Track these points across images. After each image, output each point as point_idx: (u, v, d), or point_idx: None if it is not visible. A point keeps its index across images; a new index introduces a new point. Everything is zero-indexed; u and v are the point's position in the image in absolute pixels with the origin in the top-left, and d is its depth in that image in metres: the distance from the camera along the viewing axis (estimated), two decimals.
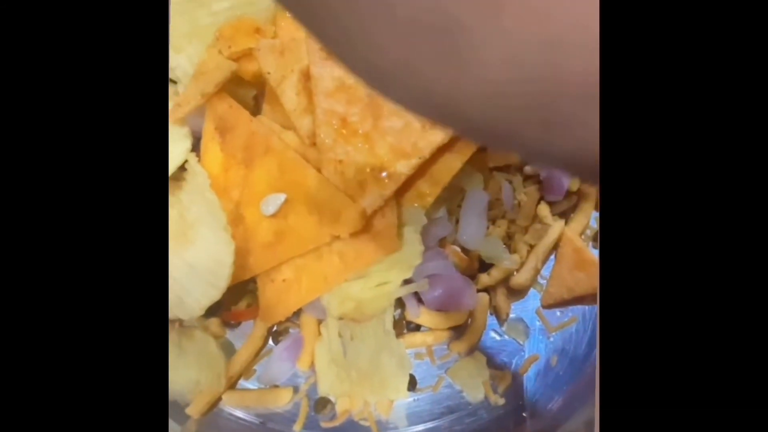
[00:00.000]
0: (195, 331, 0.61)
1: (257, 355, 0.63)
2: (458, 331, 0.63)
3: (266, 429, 0.62)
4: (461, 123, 0.23)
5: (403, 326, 0.64)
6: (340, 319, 0.60)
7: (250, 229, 0.59)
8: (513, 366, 0.63)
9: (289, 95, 0.60)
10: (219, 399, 0.62)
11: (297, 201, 0.58)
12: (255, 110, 0.64)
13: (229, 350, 0.63)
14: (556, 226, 0.64)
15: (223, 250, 0.57)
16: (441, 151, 0.57)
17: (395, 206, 0.58)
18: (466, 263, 0.62)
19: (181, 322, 0.61)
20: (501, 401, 0.61)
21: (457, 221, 0.62)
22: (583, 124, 0.21)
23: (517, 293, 0.64)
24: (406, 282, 0.59)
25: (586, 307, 0.64)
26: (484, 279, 0.63)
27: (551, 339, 0.63)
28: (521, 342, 0.63)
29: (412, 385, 0.62)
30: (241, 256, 0.57)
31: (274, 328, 0.64)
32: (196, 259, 0.58)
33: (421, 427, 0.62)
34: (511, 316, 0.64)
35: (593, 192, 0.66)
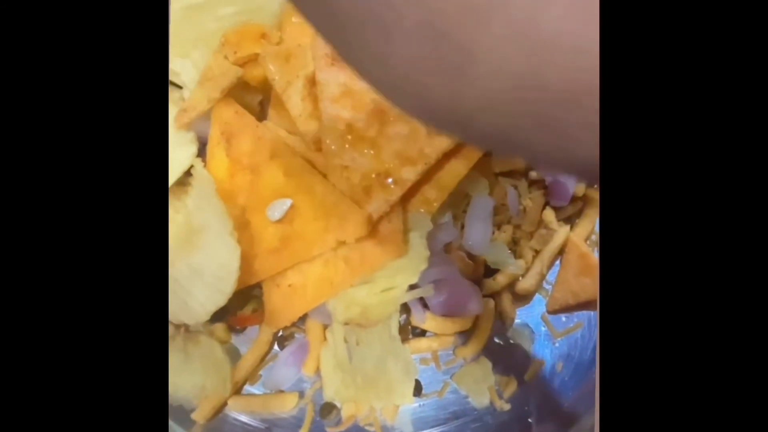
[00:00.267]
0: (200, 336, 0.61)
1: (263, 360, 0.63)
2: (464, 337, 0.64)
3: None
4: (465, 131, 0.24)
5: (409, 331, 0.64)
6: (346, 324, 0.60)
7: (256, 234, 0.59)
8: (518, 371, 0.62)
9: (295, 101, 0.60)
10: (224, 404, 0.62)
11: (303, 206, 0.58)
12: (261, 115, 0.64)
13: (234, 355, 0.63)
14: (562, 232, 0.64)
15: (228, 256, 0.57)
16: (447, 156, 0.57)
17: (401, 212, 0.58)
18: (472, 268, 0.62)
19: (186, 327, 0.61)
20: (506, 407, 0.61)
21: (463, 226, 0.62)
22: (578, 127, 0.21)
23: (522, 298, 0.65)
24: (412, 287, 0.59)
25: (592, 313, 0.64)
26: (490, 284, 0.63)
27: (557, 344, 0.63)
28: (527, 347, 0.63)
29: (418, 390, 0.62)
30: (246, 262, 0.57)
31: (280, 333, 0.64)
32: (202, 264, 0.58)
33: None
34: (517, 321, 0.64)
35: (598, 197, 0.66)
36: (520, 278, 0.64)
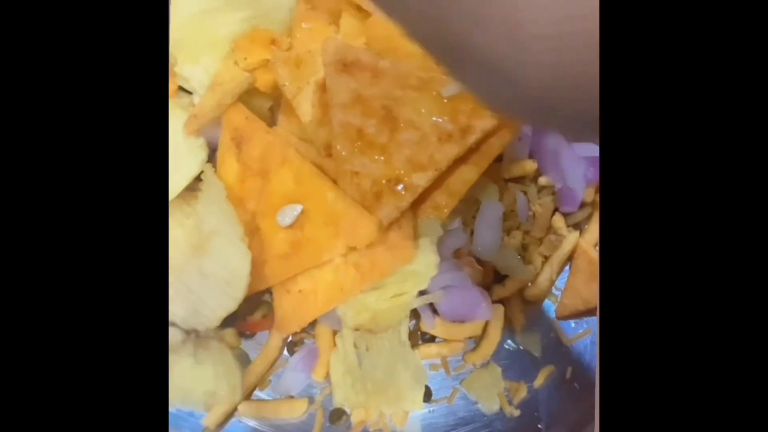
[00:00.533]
0: (211, 342, 0.61)
1: (272, 365, 0.63)
2: (473, 343, 0.64)
3: None
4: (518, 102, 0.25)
5: (419, 337, 0.64)
6: (356, 329, 0.60)
7: (267, 240, 0.59)
8: (528, 377, 0.62)
9: (305, 107, 0.60)
10: (234, 410, 0.62)
11: (313, 212, 0.58)
12: (271, 121, 0.64)
13: (244, 361, 0.63)
14: (571, 238, 0.64)
15: (239, 261, 0.57)
16: (457, 163, 0.57)
17: (411, 218, 0.58)
18: (481, 274, 0.62)
19: (197, 332, 0.61)
20: (516, 413, 0.61)
21: (472, 232, 0.62)
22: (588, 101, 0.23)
23: (532, 304, 0.65)
24: (422, 293, 0.59)
25: None
26: (499, 290, 0.63)
27: (566, 350, 0.63)
28: (536, 353, 0.63)
29: (428, 396, 0.62)
30: (257, 267, 0.57)
31: (290, 339, 0.64)
32: (213, 269, 0.58)
33: None
34: (526, 327, 0.64)
35: None
36: (530, 284, 0.64)
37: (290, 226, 0.58)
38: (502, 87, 0.25)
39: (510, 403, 0.62)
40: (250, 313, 0.63)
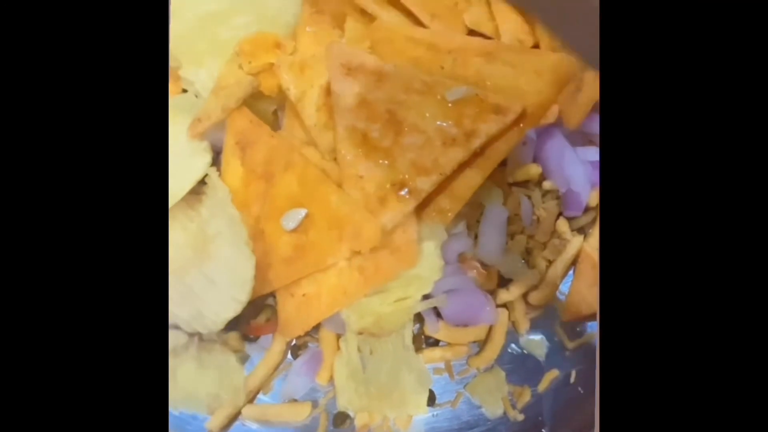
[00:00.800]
0: (214, 345, 0.62)
1: (276, 369, 0.63)
2: (477, 347, 0.64)
3: None
4: None
5: (422, 341, 0.64)
6: (360, 333, 0.60)
7: (271, 243, 0.59)
8: (532, 381, 0.62)
9: (310, 111, 0.60)
10: (238, 413, 0.62)
11: (317, 216, 0.58)
12: (275, 125, 0.64)
13: (248, 364, 0.63)
14: (575, 242, 0.64)
15: (243, 265, 0.57)
16: (461, 167, 0.57)
17: (415, 222, 0.58)
18: (485, 278, 0.62)
19: (200, 336, 0.61)
20: (520, 417, 0.61)
21: (476, 236, 0.62)
22: None
23: (535, 308, 0.64)
24: (426, 297, 0.59)
25: None
26: (503, 294, 0.63)
27: (570, 355, 0.63)
28: (540, 357, 0.63)
29: (431, 400, 0.62)
30: (261, 271, 0.58)
31: (293, 343, 0.64)
32: (217, 273, 0.59)
33: None
34: (530, 331, 0.64)
35: None
36: (534, 288, 0.64)
37: (294, 230, 0.58)
38: None
39: (514, 407, 0.62)
40: (254, 317, 0.63)
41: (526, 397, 0.62)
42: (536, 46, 0.62)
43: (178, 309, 0.59)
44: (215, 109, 0.61)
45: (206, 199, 0.61)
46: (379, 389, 0.60)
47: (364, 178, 0.57)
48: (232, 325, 0.60)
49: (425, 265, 0.58)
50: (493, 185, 0.62)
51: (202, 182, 0.61)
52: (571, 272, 0.65)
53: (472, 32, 0.64)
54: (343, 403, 0.61)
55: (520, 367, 0.63)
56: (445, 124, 0.57)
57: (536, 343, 0.64)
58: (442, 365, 0.63)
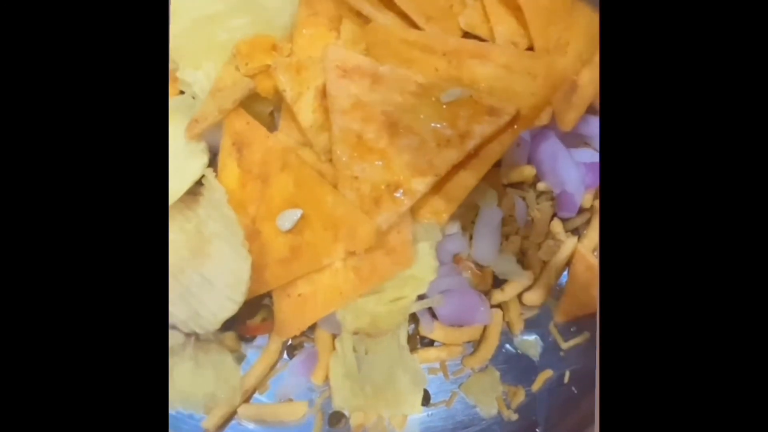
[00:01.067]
0: (211, 345, 0.62)
1: (272, 369, 0.63)
2: (472, 347, 0.64)
3: None
4: None
5: (417, 341, 0.64)
6: (355, 333, 0.60)
7: (267, 244, 0.59)
8: (526, 381, 0.63)
9: (306, 112, 0.61)
10: (234, 413, 0.62)
11: (313, 217, 0.58)
12: (272, 126, 0.65)
13: (244, 364, 0.63)
14: (569, 243, 0.65)
15: (239, 265, 0.58)
16: (456, 168, 0.58)
17: (410, 222, 0.58)
18: (480, 279, 0.63)
19: (197, 335, 0.61)
20: (514, 417, 0.62)
21: (471, 237, 0.62)
22: None
23: (530, 309, 0.65)
24: (421, 297, 0.60)
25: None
26: (498, 295, 0.64)
27: (564, 355, 0.64)
28: (534, 358, 0.64)
29: (426, 400, 0.62)
30: (257, 271, 0.58)
31: (289, 343, 0.64)
32: (213, 273, 0.59)
33: None
34: (525, 332, 0.64)
35: None
36: (528, 289, 0.64)
37: (290, 231, 0.59)
38: None
39: (508, 407, 0.62)
40: (250, 317, 0.64)
41: (520, 396, 0.62)
42: (530, 48, 0.63)
43: (175, 309, 0.59)
44: (212, 111, 0.62)
45: (203, 200, 0.62)
46: (375, 389, 0.60)
47: (359, 179, 0.57)
48: (229, 325, 0.60)
49: (420, 265, 0.58)
50: (488, 186, 0.62)
51: (199, 183, 0.62)
52: (565, 273, 0.66)
53: (466, 34, 0.64)
54: (338, 403, 0.61)
55: (514, 367, 0.64)
56: (439, 126, 0.57)
57: (530, 343, 0.64)
58: (437, 365, 0.64)
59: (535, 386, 0.63)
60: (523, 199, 0.64)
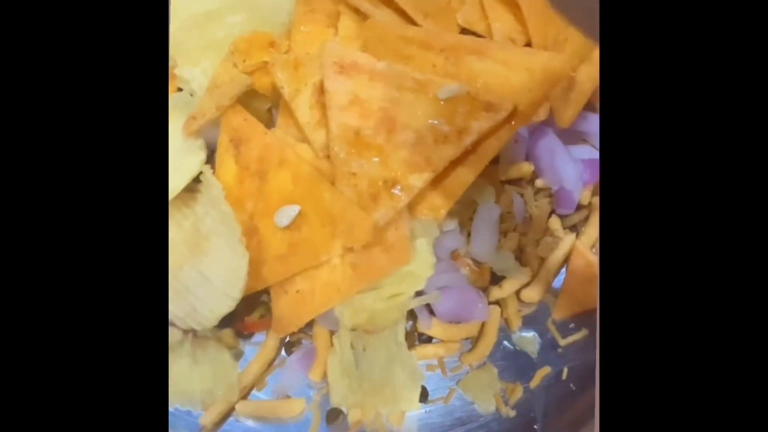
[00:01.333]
0: (208, 342, 0.62)
1: (270, 365, 0.63)
2: (470, 343, 0.64)
3: None
4: None
5: (415, 338, 0.64)
6: (353, 330, 0.60)
7: (264, 240, 0.59)
8: (524, 378, 0.63)
9: (303, 109, 0.61)
10: (232, 409, 0.62)
11: (310, 213, 0.58)
12: (269, 122, 0.65)
13: (242, 361, 0.63)
14: (567, 240, 0.65)
15: (237, 261, 0.58)
16: (453, 164, 0.58)
17: (408, 219, 0.58)
18: (478, 276, 0.63)
19: (194, 332, 0.61)
20: (512, 413, 0.62)
21: (469, 234, 0.63)
22: None
23: (528, 306, 0.65)
24: (418, 294, 0.60)
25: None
26: (496, 292, 0.63)
27: (562, 352, 0.64)
28: (532, 354, 0.64)
29: (424, 396, 0.62)
30: (255, 267, 0.58)
31: (287, 339, 0.64)
32: (211, 269, 0.59)
33: None
34: (523, 328, 0.64)
35: None
36: (526, 286, 0.64)
37: (288, 227, 0.59)
38: None
39: (506, 403, 0.62)
40: (248, 314, 0.64)
41: (519, 393, 0.62)
42: (528, 44, 0.63)
43: (172, 306, 0.59)
44: (210, 107, 0.62)
45: (201, 197, 0.62)
46: (372, 385, 0.60)
47: (356, 175, 0.57)
48: (227, 321, 0.61)
49: (418, 261, 0.58)
50: (486, 183, 0.62)
51: (197, 180, 0.62)
52: (563, 270, 0.66)
53: (464, 31, 0.64)
54: (336, 400, 0.61)
55: (512, 364, 0.63)
56: (437, 122, 0.57)
57: (528, 340, 0.64)
58: (435, 362, 0.64)
59: (533, 383, 0.63)
60: (521, 195, 0.64)
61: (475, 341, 0.64)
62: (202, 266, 0.59)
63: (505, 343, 0.64)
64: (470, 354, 0.63)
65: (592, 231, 0.66)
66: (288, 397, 0.63)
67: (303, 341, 0.64)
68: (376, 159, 0.57)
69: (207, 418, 0.61)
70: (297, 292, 0.60)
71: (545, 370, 0.63)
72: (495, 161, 0.61)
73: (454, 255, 0.62)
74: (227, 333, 0.63)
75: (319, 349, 0.62)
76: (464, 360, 0.63)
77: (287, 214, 0.58)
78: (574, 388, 0.62)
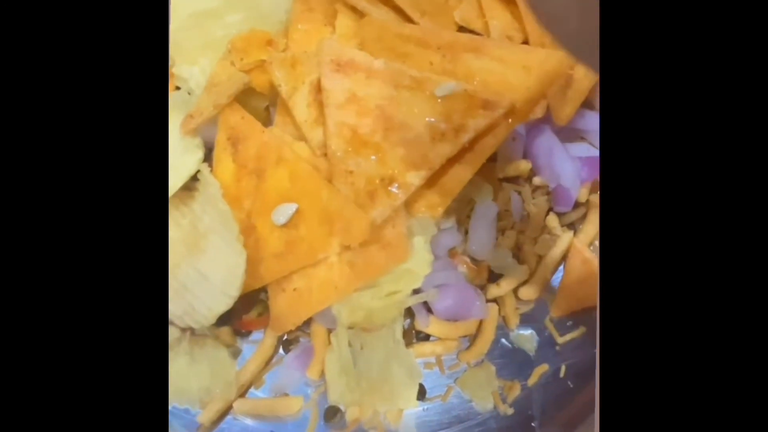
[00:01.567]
0: (206, 340, 0.62)
1: (268, 363, 0.63)
2: (467, 341, 0.64)
3: None
4: None
5: (413, 336, 0.64)
6: (350, 328, 0.60)
7: (262, 238, 0.59)
8: (522, 376, 0.63)
9: (301, 107, 0.61)
10: (230, 407, 0.62)
11: (308, 211, 0.58)
12: (267, 121, 0.65)
13: (239, 359, 0.63)
14: (565, 237, 0.65)
15: (235, 260, 0.58)
16: (451, 162, 0.58)
17: (405, 216, 0.58)
18: (476, 273, 0.63)
19: (192, 330, 0.61)
20: (510, 411, 0.62)
21: (467, 232, 0.63)
22: None
23: (526, 303, 0.65)
24: (416, 291, 0.60)
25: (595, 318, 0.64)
26: (494, 289, 0.63)
27: (560, 349, 0.64)
28: (530, 352, 0.64)
29: (422, 394, 0.62)
30: (252, 266, 0.58)
31: (285, 337, 0.64)
32: (209, 268, 0.59)
33: None
34: (520, 326, 0.64)
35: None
36: (524, 283, 0.64)
37: (285, 225, 0.59)
38: None
39: (504, 401, 0.62)
40: (246, 312, 0.64)
41: (516, 391, 0.62)
42: (525, 42, 0.63)
43: (170, 304, 0.59)
44: (207, 106, 0.62)
45: (198, 195, 0.62)
46: (370, 383, 0.60)
47: (353, 173, 0.57)
48: (224, 319, 0.61)
49: (415, 259, 0.58)
50: (484, 181, 0.62)
51: (195, 178, 0.62)
52: (561, 267, 0.66)
53: (461, 29, 0.64)
54: (334, 398, 0.61)
55: (510, 362, 0.63)
56: (434, 120, 0.57)
57: (526, 337, 0.64)
58: (432, 359, 0.64)
59: (531, 380, 0.63)
60: (519, 193, 0.64)
61: (472, 339, 0.64)
62: (200, 264, 0.59)
63: (503, 340, 0.64)
64: (468, 352, 0.63)
65: (589, 228, 0.66)
66: (286, 395, 0.63)
67: (301, 339, 0.64)
68: (374, 157, 0.57)
69: (205, 416, 0.61)
70: (294, 290, 0.60)
71: (543, 368, 0.63)
72: (492, 159, 0.61)
73: (451, 253, 0.62)
74: (225, 331, 0.63)
75: (317, 347, 0.62)
76: (462, 358, 0.63)
77: (284, 212, 0.58)
78: (571, 386, 0.62)
